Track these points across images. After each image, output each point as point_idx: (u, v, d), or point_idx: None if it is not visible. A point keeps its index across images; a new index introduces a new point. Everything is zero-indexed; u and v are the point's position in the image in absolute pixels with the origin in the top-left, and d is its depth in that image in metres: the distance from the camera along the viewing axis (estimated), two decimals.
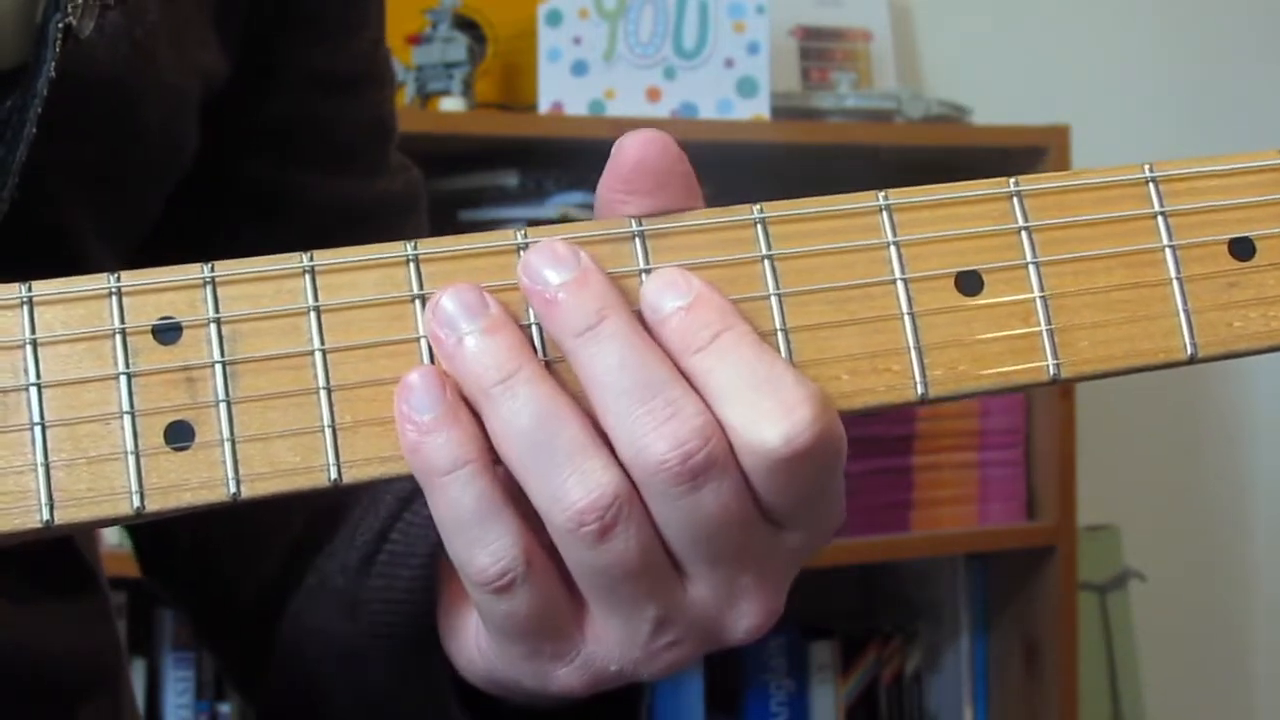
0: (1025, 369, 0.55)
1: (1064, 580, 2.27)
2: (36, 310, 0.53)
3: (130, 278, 0.53)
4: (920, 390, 0.55)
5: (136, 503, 0.52)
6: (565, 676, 0.57)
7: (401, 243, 0.55)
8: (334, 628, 0.70)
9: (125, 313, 0.53)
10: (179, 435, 0.53)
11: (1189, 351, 0.56)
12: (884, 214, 0.56)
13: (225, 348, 0.53)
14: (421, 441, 0.52)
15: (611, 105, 2.14)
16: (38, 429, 0.52)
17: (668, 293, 0.53)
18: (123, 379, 0.53)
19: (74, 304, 0.53)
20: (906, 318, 0.55)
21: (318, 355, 0.53)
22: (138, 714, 0.77)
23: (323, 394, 0.53)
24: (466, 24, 2.20)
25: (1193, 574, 2.74)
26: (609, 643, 0.56)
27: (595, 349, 0.52)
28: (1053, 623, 2.27)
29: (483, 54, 2.21)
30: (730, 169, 1.78)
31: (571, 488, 0.52)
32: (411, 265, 0.54)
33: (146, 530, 0.79)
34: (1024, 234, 0.56)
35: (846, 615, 2.40)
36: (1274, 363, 2.71)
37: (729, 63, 2.14)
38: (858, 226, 0.56)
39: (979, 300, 0.56)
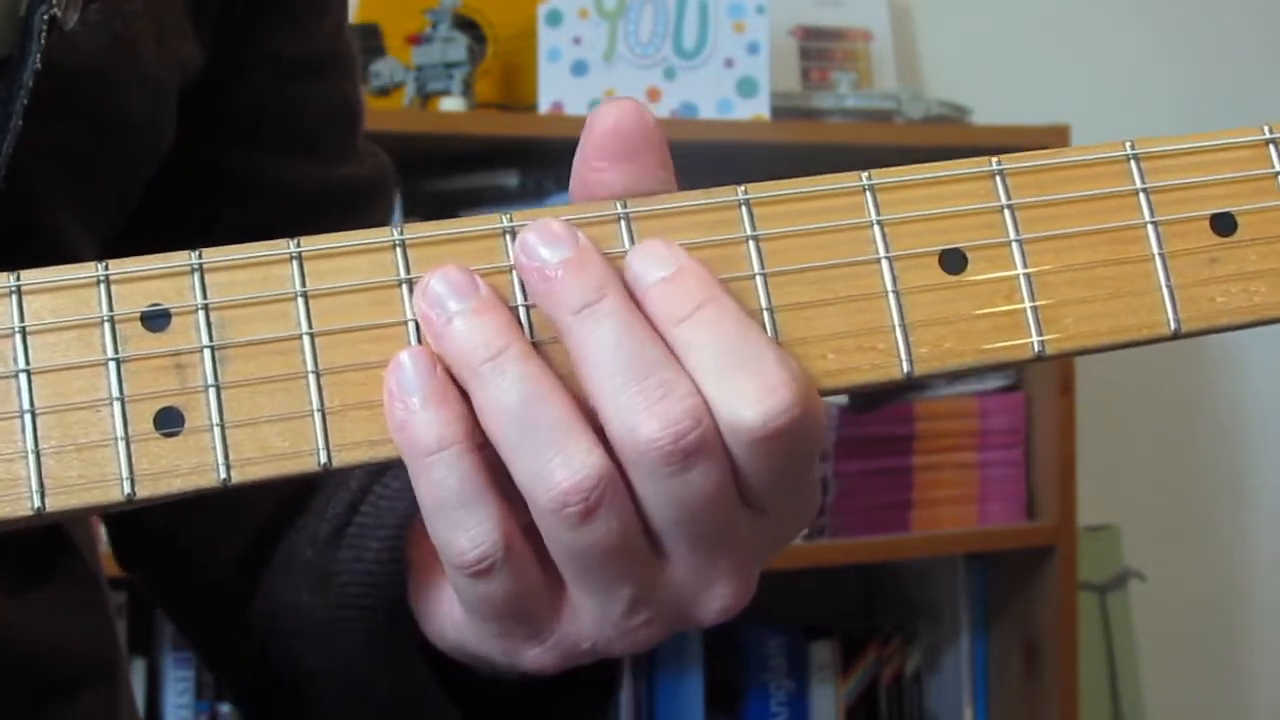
0: (1010, 345, 0.56)
1: (1064, 580, 2.27)
2: (25, 299, 0.53)
3: (118, 266, 0.54)
4: (906, 368, 0.55)
5: (127, 489, 0.53)
6: (538, 656, 0.57)
7: (388, 228, 0.55)
8: (305, 601, 0.70)
9: (114, 300, 0.53)
10: (169, 421, 0.53)
11: (1172, 327, 0.56)
12: (867, 194, 0.56)
13: (214, 334, 0.53)
14: (408, 420, 0.53)
15: None
16: (28, 416, 0.52)
17: (651, 262, 0.54)
18: (112, 366, 0.53)
19: (63, 292, 0.53)
20: (891, 296, 0.55)
21: (306, 340, 0.54)
22: (137, 713, 0.77)
23: (311, 378, 0.53)
24: (466, 24, 2.21)
25: (1193, 574, 2.74)
26: (583, 622, 0.56)
27: (592, 327, 0.52)
28: (1053, 623, 2.27)
29: (483, 54, 2.21)
30: (730, 169, 1.77)
31: (556, 468, 0.52)
32: (398, 250, 0.54)
33: (116, 520, 0.79)
34: (1007, 212, 0.56)
35: (846, 615, 2.40)
36: (1274, 363, 2.71)
37: (729, 63, 2.15)
38: (842, 206, 0.56)
39: (963, 278, 0.56)
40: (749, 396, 0.52)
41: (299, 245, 0.54)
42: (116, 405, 0.53)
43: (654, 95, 2.16)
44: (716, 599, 0.57)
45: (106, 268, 0.53)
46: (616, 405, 0.52)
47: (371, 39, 2.13)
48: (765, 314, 0.55)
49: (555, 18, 2.16)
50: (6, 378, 0.53)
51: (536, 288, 0.54)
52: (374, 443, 0.53)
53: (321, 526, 0.71)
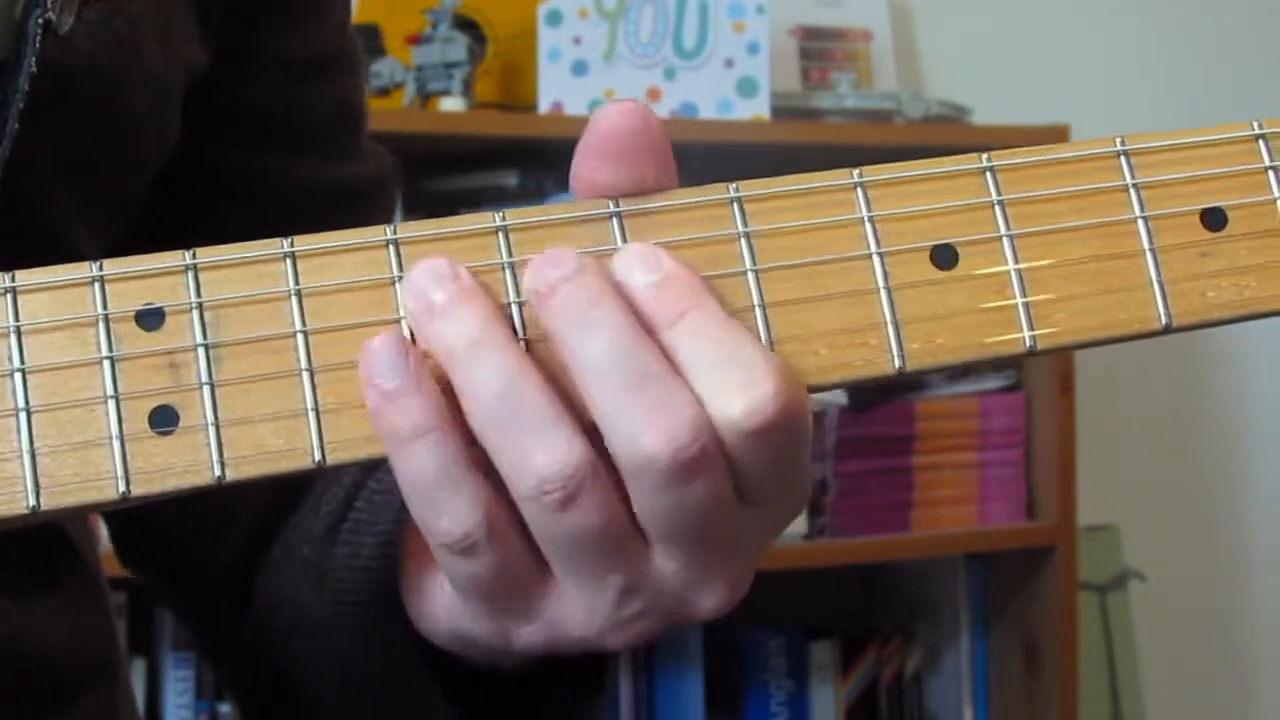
0: (1002, 340, 0.56)
1: (1064, 580, 2.27)
2: (20, 299, 0.53)
3: (112, 265, 0.54)
4: (898, 363, 0.55)
5: (122, 487, 0.53)
6: (528, 635, 0.58)
7: (381, 226, 0.55)
8: (301, 597, 0.70)
9: (108, 299, 0.53)
10: (163, 420, 0.53)
11: (1164, 321, 0.56)
12: (859, 190, 0.56)
13: (208, 332, 0.54)
14: (383, 406, 0.53)
15: None
16: (23, 415, 0.53)
17: (637, 268, 0.54)
18: (106, 365, 0.53)
19: (57, 292, 0.53)
20: (883, 292, 0.55)
21: (299, 338, 0.54)
22: (137, 714, 0.77)
23: (305, 376, 0.54)
24: (466, 24, 2.21)
25: (1193, 574, 2.74)
26: (573, 608, 0.56)
27: (587, 340, 0.52)
28: (1053, 623, 2.27)
29: (483, 54, 2.22)
30: (730, 169, 1.77)
31: (536, 455, 0.52)
32: (391, 248, 0.55)
33: (116, 518, 0.79)
34: (998, 207, 0.56)
35: (846, 615, 2.40)
36: (1274, 363, 2.71)
37: (729, 63, 2.15)
38: (833, 203, 0.56)
39: (955, 273, 0.56)
40: (733, 391, 0.52)
41: (292, 244, 0.54)
42: (111, 404, 0.53)
43: (654, 95, 2.16)
44: (712, 595, 0.57)
45: (101, 267, 0.54)
46: (615, 417, 0.52)
47: (371, 39, 2.14)
48: (757, 310, 0.55)
49: (555, 18, 2.16)
50: (1, 377, 0.53)
51: (535, 303, 0.54)
52: (368, 440, 0.54)
53: (317, 523, 0.71)
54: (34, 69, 0.61)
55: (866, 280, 0.55)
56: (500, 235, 0.55)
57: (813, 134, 2.19)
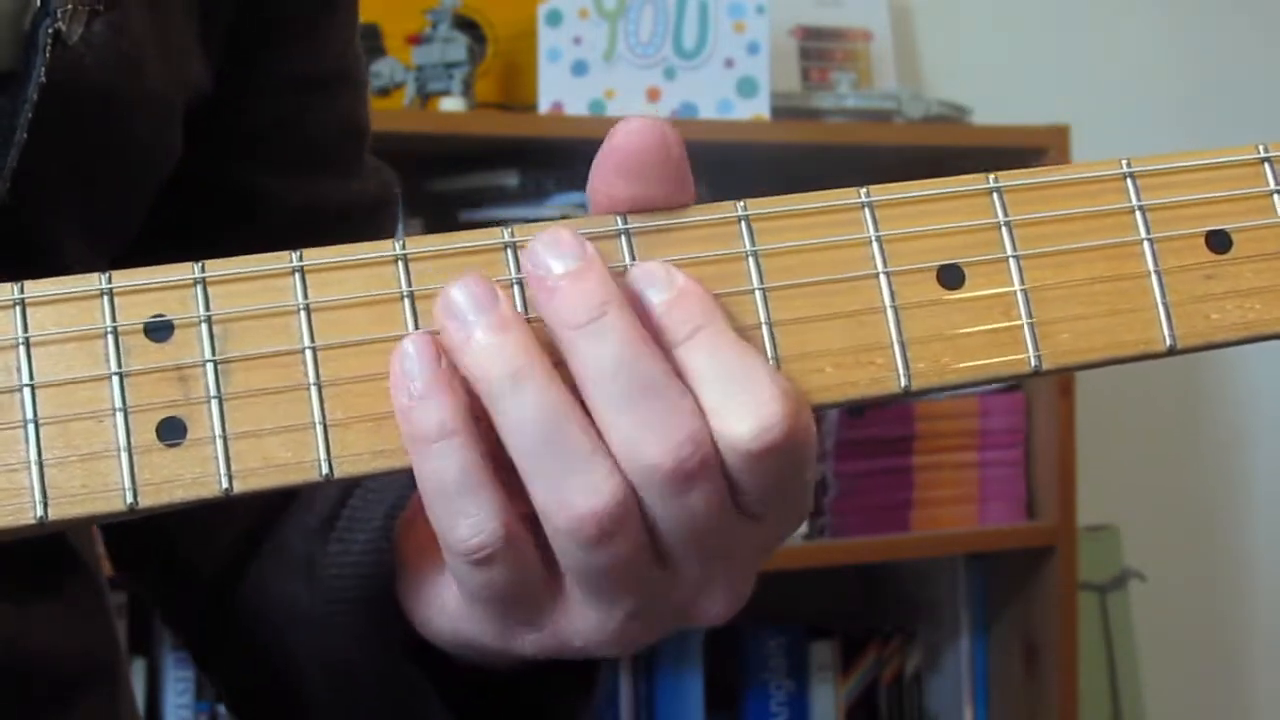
0: (1007, 361, 0.56)
1: (1064, 580, 2.27)
2: (29, 310, 0.53)
3: (121, 277, 0.54)
4: (903, 383, 0.55)
5: (130, 499, 0.53)
6: (530, 643, 0.58)
7: (390, 241, 0.55)
8: (294, 594, 0.70)
9: (117, 311, 0.54)
10: (171, 432, 0.53)
11: (1168, 343, 0.57)
12: (866, 210, 0.56)
13: (216, 345, 0.54)
14: (411, 406, 0.53)
15: (612, 105, 2.14)
16: (31, 427, 0.53)
17: (650, 286, 0.54)
18: (115, 377, 0.53)
19: (66, 304, 0.54)
20: (889, 311, 0.56)
21: (308, 353, 0.54)
22: (137, 714, 0.78)
23: (313, 390, 0.54)
24: (466, 24, 2.21)
25: (1193, 574, 2.74)
26: (581, 623, 0.57)
27: (594, 343, 0.52)
28: (1053, 623, 2.27)
29: (483, 54, 2.22)
30: (730, 169, 1.78)
31: (575, 493, 0.52)
32: (400, 264, 0.55)
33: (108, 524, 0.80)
34: (1004, 228, 0.57)
35: (846, 615, 2.40)
36: (1274, 363, 2.71)
37: (729, 63, 2.15)
38: (840, 222, 0.56)
39: (961, 294, 0.56)
40: (741, 411, 0.52)
41: (301, 258, 0.55)
42: (119, 416, 0.53)
43: (654, 95, 2.16)
44: (716, 604, 0.57)
45: (109, 279, 0.54)
46: (616, 425, 0.52)
47: (371, 39, 2.14)
48: (764, 329, 0.55)
49: (555, 18, 2.16)
50: (10, 389, 0.53)
51: (539, 299, 0.53)
52: (376, 454, 0.54)
53: (310, 518, 0.71)
54: (43, 79, 0.61)
55: (873, 299, 0.56)
56: (509, 251, 0.55)
57: (813, 134, 2.19)
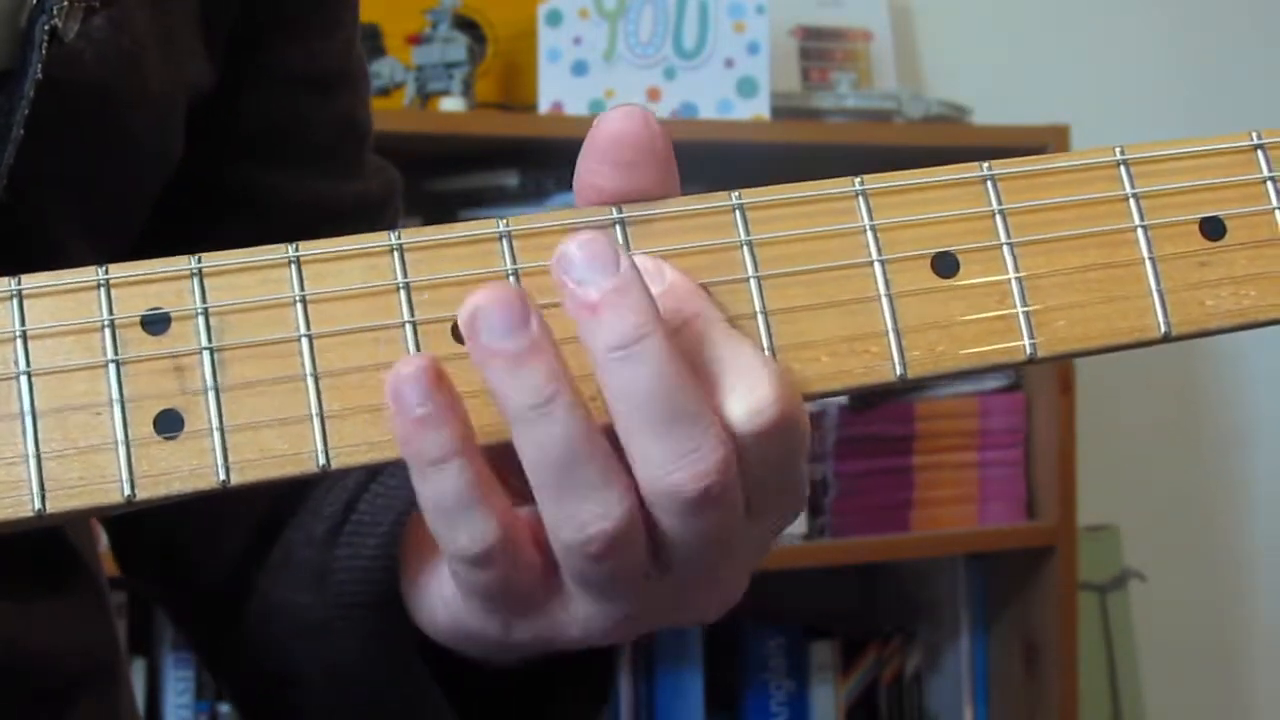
0: (1002, 348, 0.56)
1: (1064, 580, 2.27)
2: (26, 302, 0.53)
3: (118, 270, 0.54)
4: (899, 371, 0.55)
5: (127, 491, 0.53)
6: (523, 631, 0.58)
7: (385, 232, 0.55)
8: (301, 600, 0.70)
9: (113, 304, 0.54)
10: (168, 424, 0.53)
11: (1163, 330, 0.57)
12: (860, 199, 0.57)
13: (213, 337, 0.54)
14: (410, 434, 0.52)
15: (612, 105, 2.14)
16: (28, 419, 0.53)
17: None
18: (112, 369, 0.53)
19: (63, 296, 0.54)
20: (884, 299, 0.56)
21: (304, 343, 0.54)
22: (137, 714, 0.78)
23: (310, 381, 0.54)
24: (466, 24, 2.21)
25: (1193, 574, 2.74)
26: (580, 619, 0.57)
27: (628, 369, 0.51)
28: (1053, 623, 2.27)
29: (483, 54, 2.22)
30: (730, 169, 1.78)
31: (587, 515, 0.52)
32: (395, 254, 0.55)
33: (116, 523, 0.80)
34: (998, 216, 0.57)
35: (846, 615, 2.40)
36: (1274, 363, 2.71)
37: (729, 63, 2.15)
38: (835, 211, 0.56)
39: (956, 282, 0.56)
40: (732, 395, 0.52)
41: (297, 250, 0.55)
42: (116, 408, 0.53)
43: (654, 95, 2.16)
44: (713, 603, 0.58)
45: (106, 271, 0.54)
46: (648, 452, 0.52)
47: (371, 39, 2.14)
48: (759, 317, 0.55)
49: (555, 18, 2.16)
50: (7, 380, 0.53)
51: (575, 315, 0.52)
52: (373, 445, 0.54)
53: (318, 525, 0.71)
54: (39, 75, 0.61)
55: (868, 288, 0.56)
56: (504, 242, 0.55)
57: (813, 134, 2.19)
